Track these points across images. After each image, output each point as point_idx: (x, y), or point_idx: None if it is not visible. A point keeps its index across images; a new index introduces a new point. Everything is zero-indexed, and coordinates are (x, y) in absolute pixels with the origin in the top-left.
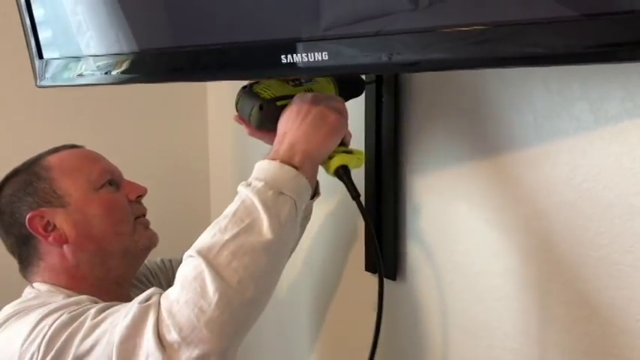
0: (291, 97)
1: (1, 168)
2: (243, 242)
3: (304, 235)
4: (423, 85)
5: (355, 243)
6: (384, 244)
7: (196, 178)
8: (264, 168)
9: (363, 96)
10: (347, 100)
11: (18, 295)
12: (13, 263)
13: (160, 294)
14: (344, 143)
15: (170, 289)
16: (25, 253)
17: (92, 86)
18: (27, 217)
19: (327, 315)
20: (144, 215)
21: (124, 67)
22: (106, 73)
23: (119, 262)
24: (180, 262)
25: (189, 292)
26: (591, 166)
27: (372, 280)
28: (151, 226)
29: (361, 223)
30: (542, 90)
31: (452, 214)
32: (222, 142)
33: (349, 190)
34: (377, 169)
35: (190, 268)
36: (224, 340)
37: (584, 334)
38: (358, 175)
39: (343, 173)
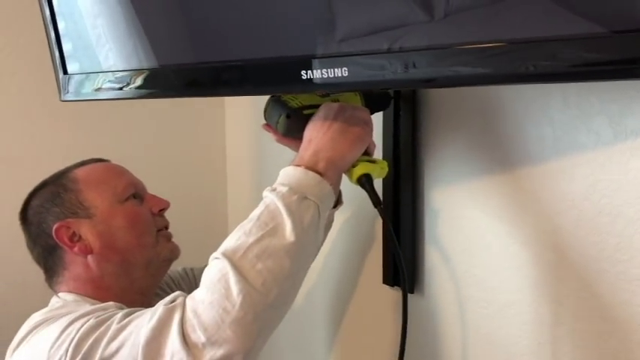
0: (317, 106)
1: (25, 180)
2: (267, 245)
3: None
4: (441, 98)
5: (373, 256)
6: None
7: (214, 189)
8: (289, 174)
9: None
10: (373, 112)
11: (45, 304)
12: (39, 273)
13: (185, 296)
14: (368, 153)
15: (196, 291)
16: (51, 262)
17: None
18: (54, 227)
19: (344, 328)
20: (166, 228)
21: (143, 82)
22: (124, 88)
23: (142, 272)
24: (201, 271)
25: (214, 293)
26: (610, 181)
27: (390, 292)
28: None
29: (379, 236)
30: (560, 104)
31: (470, 228)
32: (240, 153)
33: (371, 198)
34: (395, 183)
35: (216, 269)
36: (248, 340)
37: (602, 349)
38: (376, 189)
39: (366, 182)
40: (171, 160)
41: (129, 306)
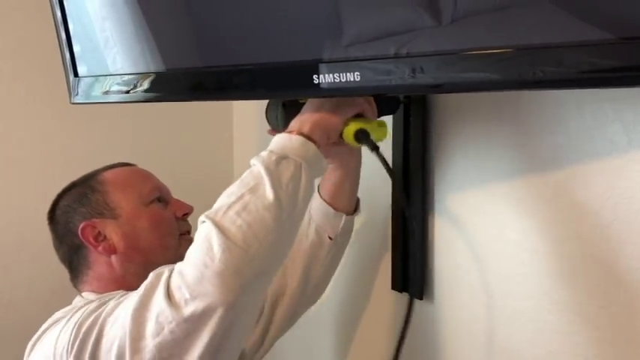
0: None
1: (36, 182)
2: (247, 202)
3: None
4: (452, 104)
5: (382, 261)
6: (411, 263)
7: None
8: (274, 141)
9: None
10: (380, 115)
11: (54, 302)
12: (65, 273)
13: (170, 268)
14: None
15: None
16: (76, 262)
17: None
18: (80, 226)
19: (352, 333)
20: (189, 232)
21: (152, 85)
22: (133, 91)
23: None
24: None
25: (197, 252)
26: (625, 188)
27: (398, 298)
28: None
29: (388, 241)
30: (574, 111)
31: (481, 234)
32: (247, 155)
33: (368, 146)
34: (405, 187)
35: (201, 231)
36: (229, 294)
37: (616, 358)
38: (386, 193)
39: (362, 137)
40: (179, 162)
41: None
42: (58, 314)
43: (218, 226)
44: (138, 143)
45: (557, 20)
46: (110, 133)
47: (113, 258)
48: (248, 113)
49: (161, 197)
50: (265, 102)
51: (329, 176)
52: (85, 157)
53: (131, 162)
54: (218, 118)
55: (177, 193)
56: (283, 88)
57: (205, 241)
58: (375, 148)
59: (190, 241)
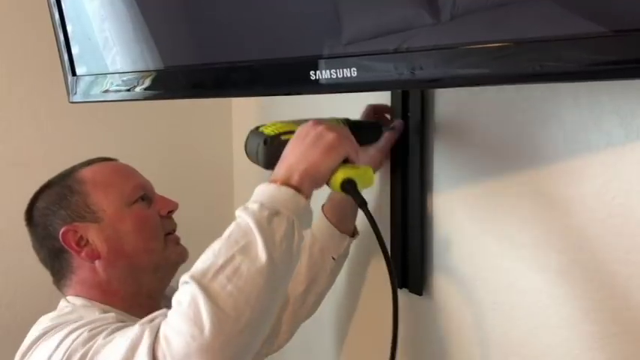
0: (295, 131)
1: (34, 182)
2: (238, 265)
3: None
4: (450, 101)
5: (380, 258)
6: (411, 259)
7: (220, 188)
8: (262, 191)
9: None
10: (362, 144)
11: (53, 305)
12: (48, 275)
13: (164, 316)
14: (351, 162)
15: (170, 313)
16: (58, 266)
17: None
18: (61, 231)
19: (351, 329)
20: (174, 231)
21: (151, 83)
22: (132, 90)
23: (150, 277)
24: None
25: (183, 319)
26: (622, 181)
27: (401, 296)
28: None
29: (387, 238)
30: (571, 105)
31: (480, 230)
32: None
33: (355, 201)
34: (403, 187)
35: (185, 294)
36: None
37: (616, 351)
38: (385, 193)
39: (349, 187)
40: (179, 161)
41: (137, 309)
42: (44, 321)
43: (206, 291)
44: (136, 142)
45: (553, 14)
46: (109, 132)
47: (97, 263)
48: (247, 112)
49: (144, 195)
50: (263, 99)
51: (333, 197)
52: (84, 156)
53: (130, 160)
54: (217, 117)
55: (175, 192)
56: (281, 85)
57: (193, 307)
58: (362, 204)
59: (176, 241)
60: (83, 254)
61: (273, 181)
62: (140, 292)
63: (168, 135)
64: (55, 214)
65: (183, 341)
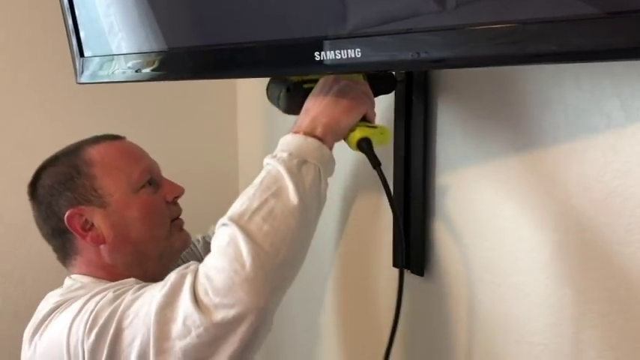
0: (316, 80)
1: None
2: (272, 207)
3: (332, 231)
4: (453, 83)
5: (383, 239)
6: (412, 240)
7: (225, 174)
8: (288, 141)
9: (392, 94)
10: (377, 95)
11: (61, 281)
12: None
13: (198, 264)
14: (368, 121)
15: (207, 257)
16: (60, 244)
17: (125, 83)
18: (66, 214)
19: (353, 310)
20: (178, 217)
21: (157, 64)
22: (138, 71)
23: (155, 263)
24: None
25: (224, 258)
26: (621, 162)
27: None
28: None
29: (390, 219)
30: (573, 87)
31: (481, 211)
32: (252, 139)
33: (370, 161)
34: (406, 168)
35: (224, 235)
36: (260, 300)
37: (613, 329)
38: (387, 172)
39: (365, 145)
40: (184, 144)
41: None
42: (54, 296)
43: (245, 231)
44: (142, 126)
45: None
46: (114, 116)
47: (102, 248)
48: (251, 94)
49: (151, 179)
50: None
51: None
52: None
53: (136, 144)
54: (222, 100)
55: (180, 177)
56: (285, 65)
57: (232, 246)
58: (376, 165)
59: (180, 226)
60: (88, 238)
61: (298, 132)
62: (145, 276)
63: (174, 119)
64: (61, 195)
65: (226, 277)
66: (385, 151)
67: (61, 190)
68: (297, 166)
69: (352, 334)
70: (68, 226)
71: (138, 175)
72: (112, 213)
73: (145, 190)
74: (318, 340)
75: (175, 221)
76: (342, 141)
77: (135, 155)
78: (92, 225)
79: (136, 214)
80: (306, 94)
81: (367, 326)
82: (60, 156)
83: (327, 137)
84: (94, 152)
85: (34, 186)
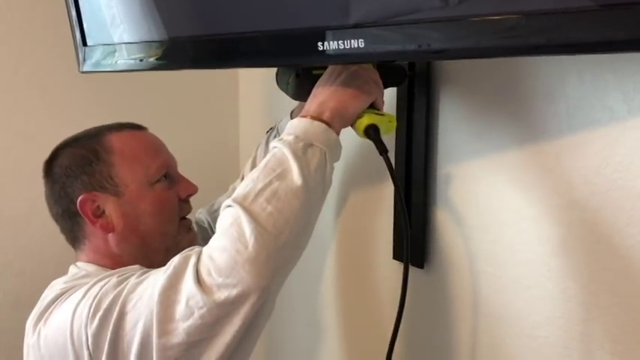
0: (326, 67)
1: (43, 154)
2: (276, 189)
3: (332, 223)
4: (456, 76)
5: (383, 231)
6: (412, 233)
7: (226, 165)
8: (295, 125)
9: (395, 87)
10: (387, 87)
11: (61, 272)
12: (59, 243)
13: (201, 247)
14: (376, 108)
15: (211, 239)
16: (69, 227)
17: (126, 73)
18: (79, 197)
19: (354, 303)
20: (187, 215)
21: (159, 54)
22: (141, 60)
23: (161, 257)
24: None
25: (227, 238)
26: (623, 156)
27: (400, 268)
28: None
29: (390, 212)
30: (575, 80)
31: (481, 204)
32: (253, 129)
33: (377, 147)
34: (407, 161)
35: (228, 216)
36: (262, 280)
37: (612, 322)
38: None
39: (372, 132)
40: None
41: None
42: (58, 283)
43: (248, 212)
44: (143, 115)
45: None
46: (117, 106)
47: (110, 236)
48: (253, 84)
49: (167, 174)
50: (269, 73)
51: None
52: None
53: (156, 136)
54: (224, 89)
55: (180, 168)
56: (288, 55)
57: (235, 226)
58: (383, 152)
59: (188, 226)
60: (98, 225)
61: (305, 116)
62: (151, 267)
63: (176, 109)
64: (77, 178)
65: (228, 256)
66: (386, 145)
67: (78, 173)
68: (302, 149)
69: (352, 328)
70: (79, 210)
71: (155, 168)
72: (124, 203)
73: (160, 184)
74: (319, 335)
75: (184, 220)
76: (344, 131)
77: (155, 148)
78: (103, 212)
79: (148, 207)
80: (315, 80)
81: (367, 321)
82: (81, 138)
83: (334, 122)
84: (115, 140)
85: (50, 164)
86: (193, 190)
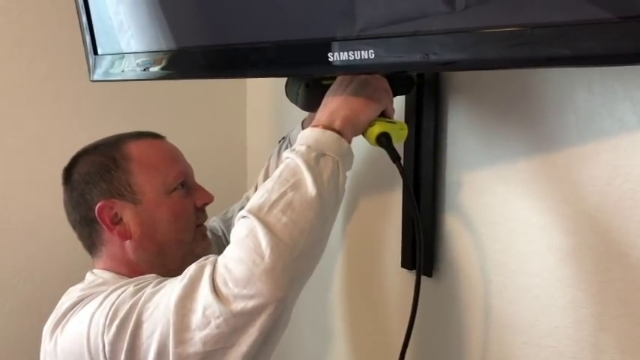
0: (335, 77)
1: (54, 160)
2: (291, 200)
3: (340, 231)
4: (464, 86)
5: (391, 239)
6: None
7: (234, 174)
8: (307, 135)
9: (403, 96)
10: (395, 95)
11: (70, 277)
12: (83, 250)
13: (217, 256)
14: (387, 116)
15: (226, 249)
16: (87, 233)
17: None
18: (98, 204)
19: (361, 311)
20: (203, 223)
21: (169, 63)
22: (150, 69)
23: (177, 265)
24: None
25: (243, 249)
26: (633, 166)
27: (408, 276)
28: None
29: (398, 220)
30: (585, 91)
31: (490, 212)
32: (260, 139)
33: (390, 155)
34: (416, 169)
35: (243, 227)
36: (279, 291)
37: (623, 333)
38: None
39: (385, 140)
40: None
41: None
42: (75, 291)
43: (264, 223)
44: (153, 123)
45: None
46: (128, 112)
47: (127, 243)
48: (261, 94)
49: (184, 182)
50: (277, 80)
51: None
52: (102, 136)
53: (174, 145)
54: (232, 98)
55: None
56: (298, 66)
57: (251, 237)
58: (396, 159)
59: (203, 233)
60: (115, 232)
61: (316, 126)
62: (166, 276)
63: (184, 117)
64: (95, 185)
65: (245, 268)
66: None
67: (97, 180)
68: (315, 158)
69: (359, 336)
70: (97, 217)
71: (173, 177)
72: (142, 211)
73: (177, 192)
74: (326, 342)
75: (199, 227)
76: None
77: (172, 157)
78: (121, 219)
79: (165, 215)
80: (324, 90)
81: (375, 328)
82: (100, 145)
83: (345, 130)
84: (134, 148)
85: (69, 171)
86: (209, 199)
